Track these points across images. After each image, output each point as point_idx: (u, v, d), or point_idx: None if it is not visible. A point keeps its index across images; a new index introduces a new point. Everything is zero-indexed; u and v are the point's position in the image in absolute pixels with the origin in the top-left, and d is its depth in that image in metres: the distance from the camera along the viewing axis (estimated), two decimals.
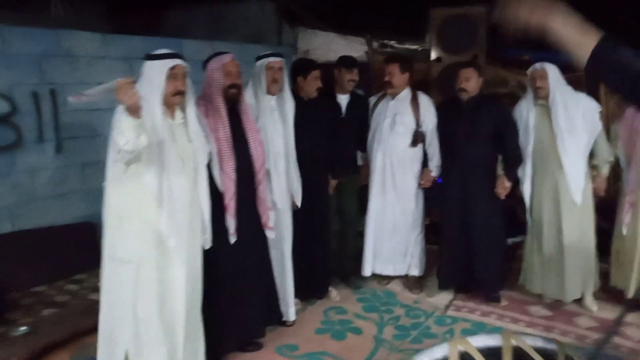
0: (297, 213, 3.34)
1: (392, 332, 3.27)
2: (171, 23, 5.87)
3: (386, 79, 3.61)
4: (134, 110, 2.01)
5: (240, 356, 2.97)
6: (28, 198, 3.74)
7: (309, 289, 3.57)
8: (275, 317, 3.16)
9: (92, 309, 2.61)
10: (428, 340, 3.16)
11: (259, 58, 3.08)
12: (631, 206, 3.31)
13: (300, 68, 3.46)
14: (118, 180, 2.25)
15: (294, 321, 3.34)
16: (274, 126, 3.10)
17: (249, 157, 2.84)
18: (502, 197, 3.45)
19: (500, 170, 3.49)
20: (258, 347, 3.05)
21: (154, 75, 2.26)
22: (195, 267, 2.51)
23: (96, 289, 2.50)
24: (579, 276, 3.34)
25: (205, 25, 5.75)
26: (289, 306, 3.30)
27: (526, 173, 3.41)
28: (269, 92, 3.07)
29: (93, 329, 2.88)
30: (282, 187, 3.16)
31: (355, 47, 6.02)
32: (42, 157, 3.79)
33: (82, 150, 3.85)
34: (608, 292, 3.55)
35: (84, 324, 3.20)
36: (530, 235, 3.52)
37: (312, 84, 3.40)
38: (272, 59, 3.05)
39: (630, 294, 3.39)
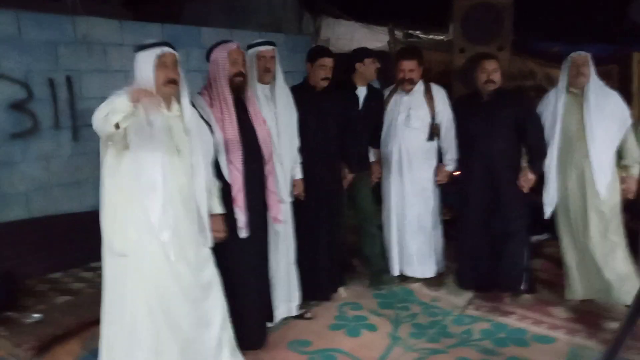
0: (305, 208, 3.26)
1: (409, 330, 3.18)
2: (190, 11, 5.82)
3: (408, 76, 3.49)
4: (137, 100, 1.98)
5: (253, 353, 2.87)
6: (43, 185, 3.74)
7: (316, 289, 3.45)
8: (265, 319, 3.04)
9: None
10: (445, 339, 3.06)
11: (250, 47, 2.96)
12: None
13: (309, 54, 3.37)
14: (113, 171, 2.21)
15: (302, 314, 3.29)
16: (269, 115, 2.96)
17: (257, 147, 2.76)
18: (526, 190, 3.35)
19: (524, 163, 3.38)
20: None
21: (144, 66, 2.19)
22: (200, 265, 2.41)
23: None
24: (616, 277, 3.15)
25: (224, 13, 5.70)
26: (292, 301, 3.23)
27: (551, 165, 3.29)
28: (261, 81, 2.96)
29: None
30: (280, 178, 3.03)
31: (379, 37, 5.91)
32: (58, 144, 3.78)
33: (98, 138, 3.86)
34: None
35: (97, 312, 3.19)
36: (561, 234, 3.38)
37: (317, 72, 3.28)
38: (262, 47, 2.92)
39: None
